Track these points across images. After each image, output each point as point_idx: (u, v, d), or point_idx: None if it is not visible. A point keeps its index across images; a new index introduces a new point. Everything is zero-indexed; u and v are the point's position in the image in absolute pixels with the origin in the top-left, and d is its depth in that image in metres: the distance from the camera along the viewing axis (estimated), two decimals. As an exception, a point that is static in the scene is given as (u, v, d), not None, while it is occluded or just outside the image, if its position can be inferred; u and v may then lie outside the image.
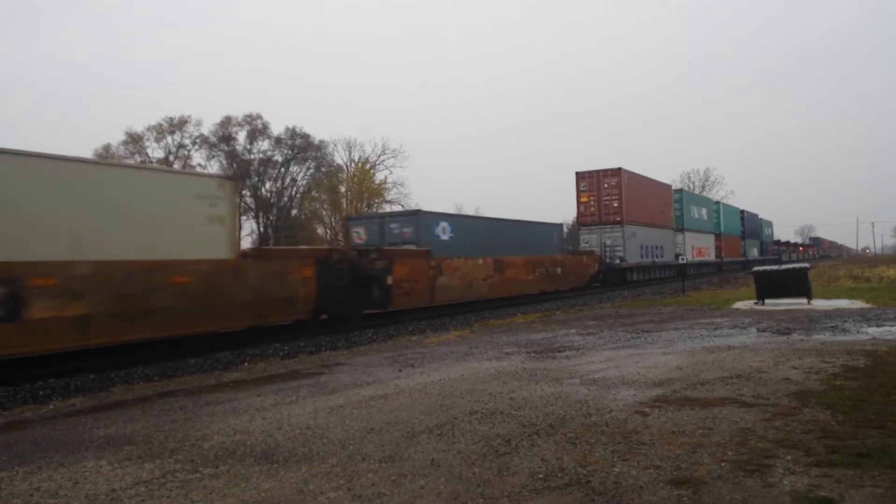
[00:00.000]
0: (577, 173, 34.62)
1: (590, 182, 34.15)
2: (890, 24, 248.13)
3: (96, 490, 4.16)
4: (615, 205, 33.47)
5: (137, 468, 4.58)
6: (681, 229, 42.52)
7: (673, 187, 44.42)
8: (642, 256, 35.49)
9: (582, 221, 34.59)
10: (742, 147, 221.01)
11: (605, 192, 33.80)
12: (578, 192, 34.60)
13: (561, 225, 36.28)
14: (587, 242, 33.55)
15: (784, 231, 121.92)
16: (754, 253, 63.59)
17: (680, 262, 38.49)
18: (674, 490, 3.79)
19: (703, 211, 48.16)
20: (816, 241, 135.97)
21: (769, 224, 78.02)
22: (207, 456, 4.82)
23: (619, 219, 33.31)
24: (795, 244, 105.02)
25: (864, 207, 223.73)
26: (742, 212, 61.51)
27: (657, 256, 37.69)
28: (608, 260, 32.53)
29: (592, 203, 33.92)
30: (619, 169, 33.87)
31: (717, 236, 50.67)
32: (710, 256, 48.95)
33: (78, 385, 9.40)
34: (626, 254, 33.11)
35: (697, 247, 45.29)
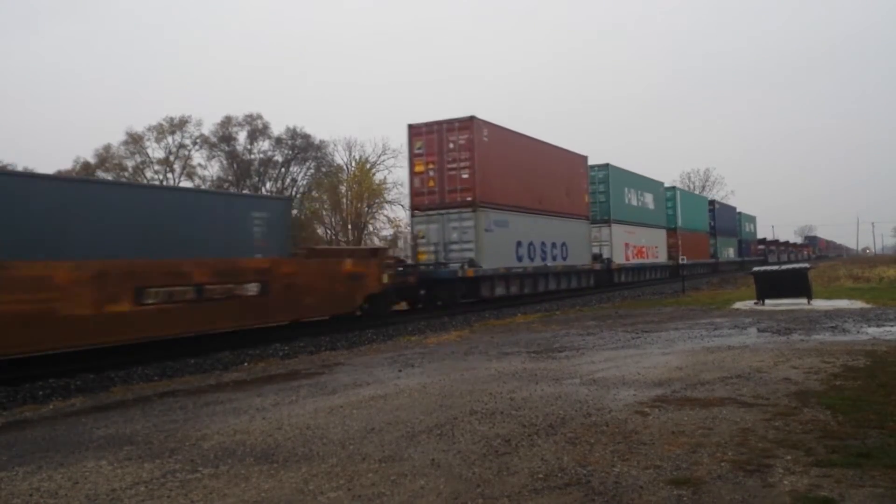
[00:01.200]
0: (411, 127, 21.25)
1: (429, 141, 20.96)
2: (891, 24, 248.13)
3: (96, 490, 4.16)
4: (464, 176, 20.57)
5: (137, 468, 4.58)
6: (606, 220, 30.66)
7: (603, 164, 31.61)
8: (519, 259, 22.92)
9: (417, 204, 21.31)
10: (741, 147, 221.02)
11: (450, 156, 20.64)
12: (412, 156, 21.38)
13: (287, 200, 26.30)
14: (424, 238, 21.03)
15: (784, 231, 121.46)
16: (729, 253, 53.99)
17: (596, 267, 28.75)
18: (674, 490, 3.79)
19: (648, 198, 36.15)
20: (812, 240, 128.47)
21: (751, 219, 67.88)
22: (207, 456, 4.82)
23: (469, 198, 20.44)
24: (786, 243, 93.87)
25: (864, 207, 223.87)
26: (712, 203, 52.05)
27: (556, 258, 25.57)
28: (442, 265, 20.24)
29: (432, 174, 20.92)
30: (472, 119, 20.46)
31: (672, 232, 39.87)
32: (659, 257, 37.74)
33: (78, 385, 9.40)
34: (480, 254, 20.41)
35: (637, 245, 34.22)
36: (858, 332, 10.77)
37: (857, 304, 16.08)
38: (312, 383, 7.79)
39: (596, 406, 6.00)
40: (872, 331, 10.82)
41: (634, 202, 34.42)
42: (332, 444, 5.03)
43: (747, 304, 17.02)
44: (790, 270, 17.59)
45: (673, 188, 42.86)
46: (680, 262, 33.97)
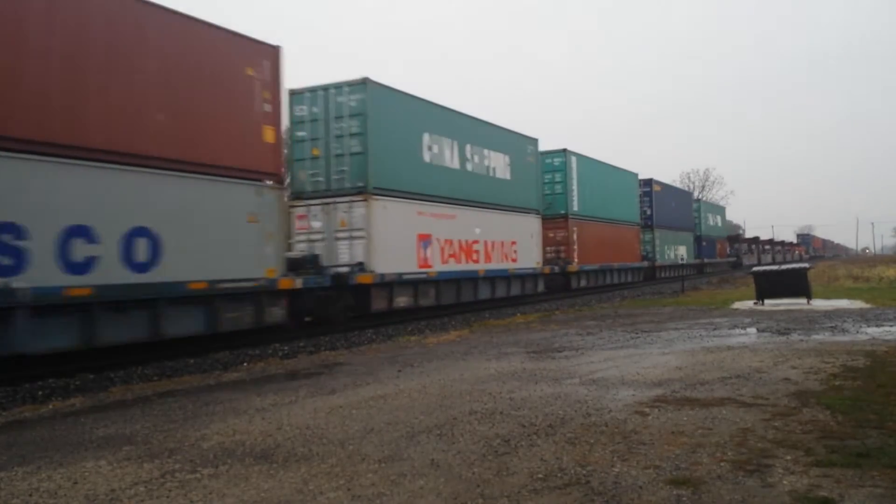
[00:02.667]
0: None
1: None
2: (891, 24, 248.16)
3: (96, 490, 4.15)
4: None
5: (137, 468, 4.58)
6: (362, 191, 15.35)
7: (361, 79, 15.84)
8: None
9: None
10: (741, 148, 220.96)
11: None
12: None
13: None
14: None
15: (784, 232, 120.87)
16: (681, 253, 39.95)
17: (348, 281, 14.60)
18: (673, 490, 3.79)
19: (502, 159, 20.97)
20: (806, 239, 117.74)
21: (716, 210, 54.50)
22: (207, 456, 4.82)
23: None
24: (771, 241, 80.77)
25: (863, 207, 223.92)
26: (647, 183, 36.07)
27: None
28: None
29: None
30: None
31: (560, 220, 25.65)
32: (522, 260, 21.81)
33: (77, 385, 9.38)
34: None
35: (463, 240, 18.79)
36: (858, 332, 10.77)
37: (857, 304, 16.10)
38: (312, 383, 7.79)
39: (595, 406, 6.00)
40: (872, 331, 10.82)
41: (452, 162, 18.48)
42: (332, 444, 5.03)
43: (747, 304, 17.04)
44: (790, 270, 17.64)
45: (562, 152, 26.04)
46: (563, 268, 24.84)
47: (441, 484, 4.04)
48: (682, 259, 40.38)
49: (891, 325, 11.56)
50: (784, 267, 18.48)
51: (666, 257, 38.16)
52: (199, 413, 6.36)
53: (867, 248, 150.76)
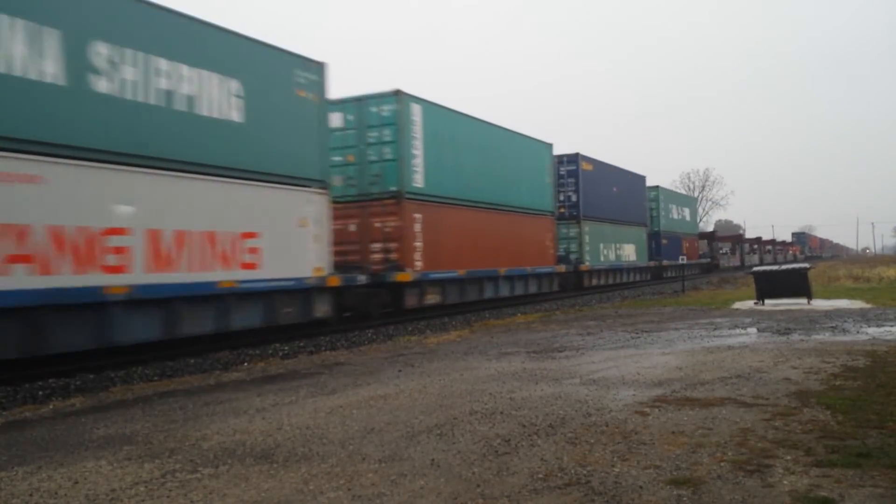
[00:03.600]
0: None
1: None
2: (891, 24, 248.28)
3: (96, 490, 4.15)
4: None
5: (137, 468, 4.58)
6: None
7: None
8: None
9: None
10: (741, 148, 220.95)
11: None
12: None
13: None
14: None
15: (784, 232, 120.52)
16: (627, 254, 31.63)
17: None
18: (673, 490, 3.79)
19: (223, 84, 11.11)
20: (801, 238, 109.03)
21: (685, 202, 45.04)
22: (207, 456, 4.82)
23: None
24: (760, 241, 72.19)
25: (864, 207, 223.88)
26: (571, 160, 27.00)
27: None
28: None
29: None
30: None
31: (390, 203, 16.21)
32: (286, 271, 12.26)
33: (78, 385, 9.39)
34: None
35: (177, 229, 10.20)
36: (858, 332, 10.77)
37: (857, 304, 16.10)
38: (312, 383, 7.79)
39: (596, 406, 6.00)
40: (872, 331, 10.83)
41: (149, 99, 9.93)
42: (332, 444, 5.03)
43: (747, 304, 17.05)
44: (790, 270, 17.70)
45: (393, 96, 16.45)
46: (384, 277, 15.65)
47: (441, 484, 4.04)
48: (626, 262, 31.47)
49: (891, 325, 11.56)
50: (784, 267, 18.53)
51: (601, 259, 28.92)
52: (199, 413, 6.36)
53: (867, 248, 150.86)
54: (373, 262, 16.05)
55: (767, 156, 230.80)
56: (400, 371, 8.39)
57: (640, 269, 34.17)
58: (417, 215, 16.70)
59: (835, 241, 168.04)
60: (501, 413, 5.84)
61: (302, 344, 13.11)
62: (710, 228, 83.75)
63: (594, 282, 28.67)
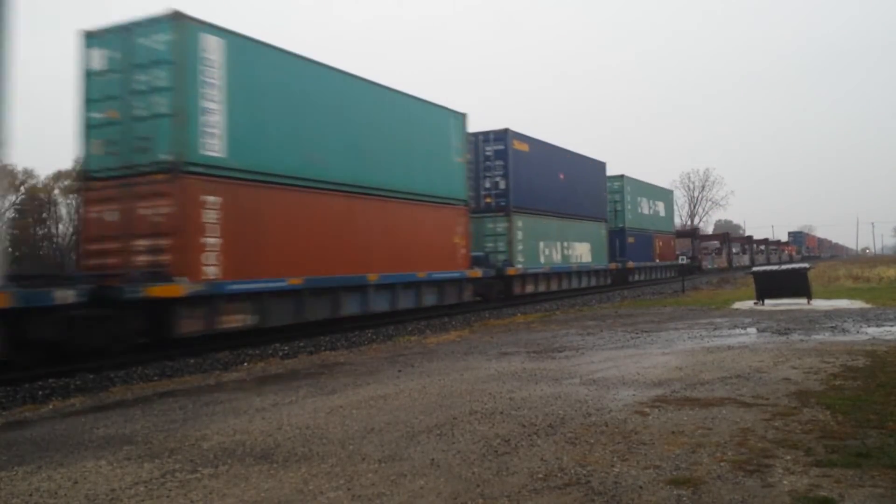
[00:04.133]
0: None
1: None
2: (891, 24, 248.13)
3: (96, 490, 4.15)
4: None
5: (137, 468, 4.58)
6: None
7: None
8: None
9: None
10: (741, 148, 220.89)
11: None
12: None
13: None
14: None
15: (784, 231, 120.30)
16: (579, 255, 26.78)
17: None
18: (673, 490, 3.79)
19: None
20: (798, 238, 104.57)
21: (658, 195, 38.60)
22: (207, 456, 4.82)
23: None
24: (750, 240, 68.43)
25: (864, 207, 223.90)
26: (499, 137, 22.03)
27: None
28: None
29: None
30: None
31: (159, 181, 10.83)
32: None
33: (77, 385, 9.39)
34: None
35: None
36: (858, 332, 10.78)
37: (857, 304, 16.10)
38: (312, 383, 7.79)
39: (595, 406, 6.00)
40: (872, 331, 10.83)
41: None
42: (332, 444, 5.03)
43: (747, 304, 17.05)
44: (790, 271, 17.73)
45: (168, 20, 10.93)
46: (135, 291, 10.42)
47: (441, 484, 4.04)
48: (577, 263, 26.57)
49: (891, 325, 11.57)
50: (784, 267, 18.56)
51: (541, 261, 23.80)
52: (199, 413, 6.36)
53: (867, 248, 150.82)
54: (137, 267, 10.98)
55: (767, 156, 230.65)
56: (400, 371, 8.39)
57: (596, 272, 28.79)
58: (211, 198, 11.39)
59: (834, 241, 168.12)
60: (501, 413, 5.84)
61: (302, 344, 13.11)
62: (711, 229, 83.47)
63: (528, 289, 23.20)
